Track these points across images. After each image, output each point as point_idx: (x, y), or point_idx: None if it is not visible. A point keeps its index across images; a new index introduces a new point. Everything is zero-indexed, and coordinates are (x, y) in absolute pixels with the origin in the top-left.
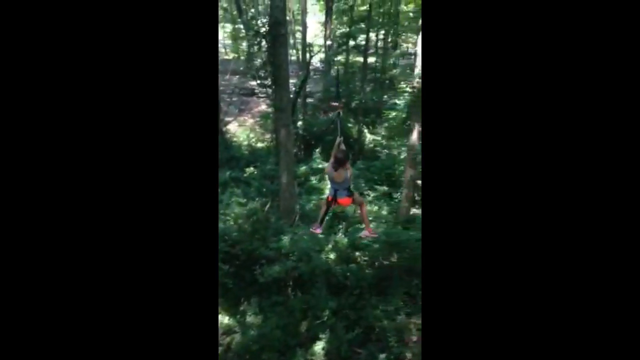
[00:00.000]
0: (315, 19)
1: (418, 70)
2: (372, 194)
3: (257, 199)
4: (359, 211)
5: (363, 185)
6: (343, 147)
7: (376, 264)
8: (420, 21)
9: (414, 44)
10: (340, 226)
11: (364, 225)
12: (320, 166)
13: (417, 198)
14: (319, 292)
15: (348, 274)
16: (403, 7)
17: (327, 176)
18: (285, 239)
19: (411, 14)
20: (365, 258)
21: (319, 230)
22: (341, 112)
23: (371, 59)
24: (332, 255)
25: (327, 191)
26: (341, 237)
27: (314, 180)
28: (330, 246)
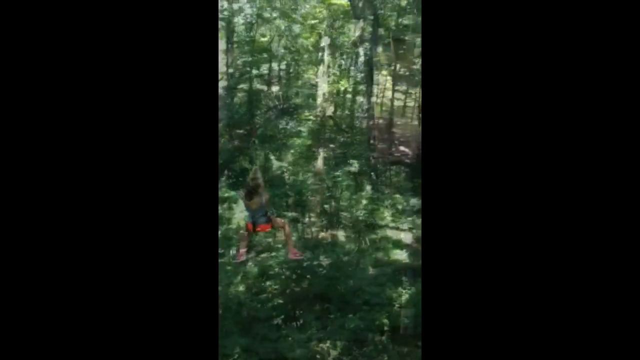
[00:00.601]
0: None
1: (319, 100)
2: None
3: None
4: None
5: (271, 211)
6: (258, 174)
7: (287, 291)
8: (320, 54)
9: (315, 75)
10: (250, 255)
11: (274, 253)
12: (226, 195)
13: (324, 222)
14: (228, 329)
15: (259, 305)
16: (303, 41)
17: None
18: None
19: (311, 48)
20: (276, 287)
21: (243, 258)
22: (256, 139)
23: (274, 88)
24: (241, 288)
25: (236, 220)
26: (251, 267)
27: (219, 209)
28: (239, 278)
